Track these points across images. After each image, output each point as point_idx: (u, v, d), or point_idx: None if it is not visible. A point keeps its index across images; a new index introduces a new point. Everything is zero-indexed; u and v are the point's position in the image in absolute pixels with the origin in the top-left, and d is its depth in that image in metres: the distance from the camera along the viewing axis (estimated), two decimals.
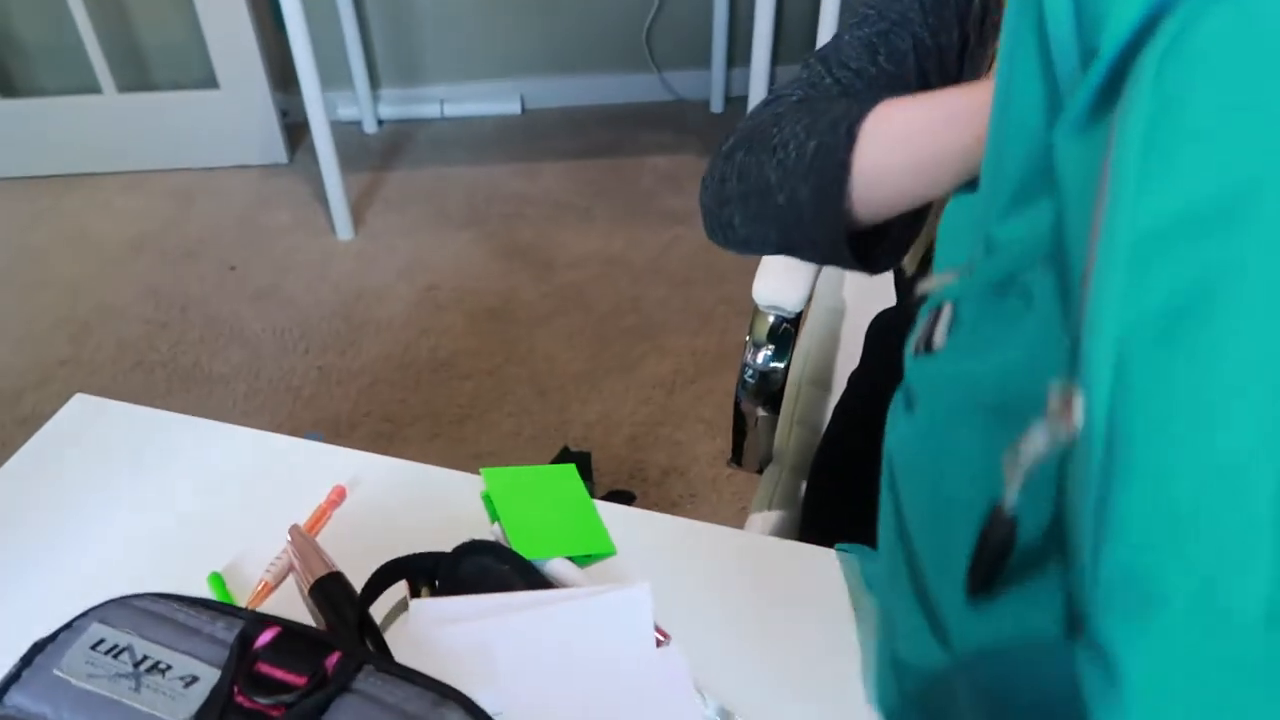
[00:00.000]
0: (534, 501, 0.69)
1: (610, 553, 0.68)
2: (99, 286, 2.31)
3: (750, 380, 0.97)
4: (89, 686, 0.47)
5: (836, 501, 0.96)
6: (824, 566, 0.68)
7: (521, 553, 0.65)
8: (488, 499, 0.71)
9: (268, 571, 0.67)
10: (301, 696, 0.46)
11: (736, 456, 1.10)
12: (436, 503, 0.73)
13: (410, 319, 2.20)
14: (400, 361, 2.09)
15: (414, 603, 0.63)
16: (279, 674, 0.47)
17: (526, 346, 2.12)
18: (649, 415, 1.96)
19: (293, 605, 0.67)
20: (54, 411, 0.81)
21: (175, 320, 2.20)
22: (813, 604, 0.65)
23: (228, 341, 2.14)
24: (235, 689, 0.46)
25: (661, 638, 0.61)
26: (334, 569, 0.65)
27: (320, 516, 0.71)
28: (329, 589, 0.64)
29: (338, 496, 0.73)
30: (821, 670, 0.61)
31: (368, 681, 0.47)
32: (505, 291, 2.26)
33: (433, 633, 0.60)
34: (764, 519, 0.99)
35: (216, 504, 0.73)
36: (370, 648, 0.61)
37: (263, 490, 0.74)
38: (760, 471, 1.11)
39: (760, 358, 0.96)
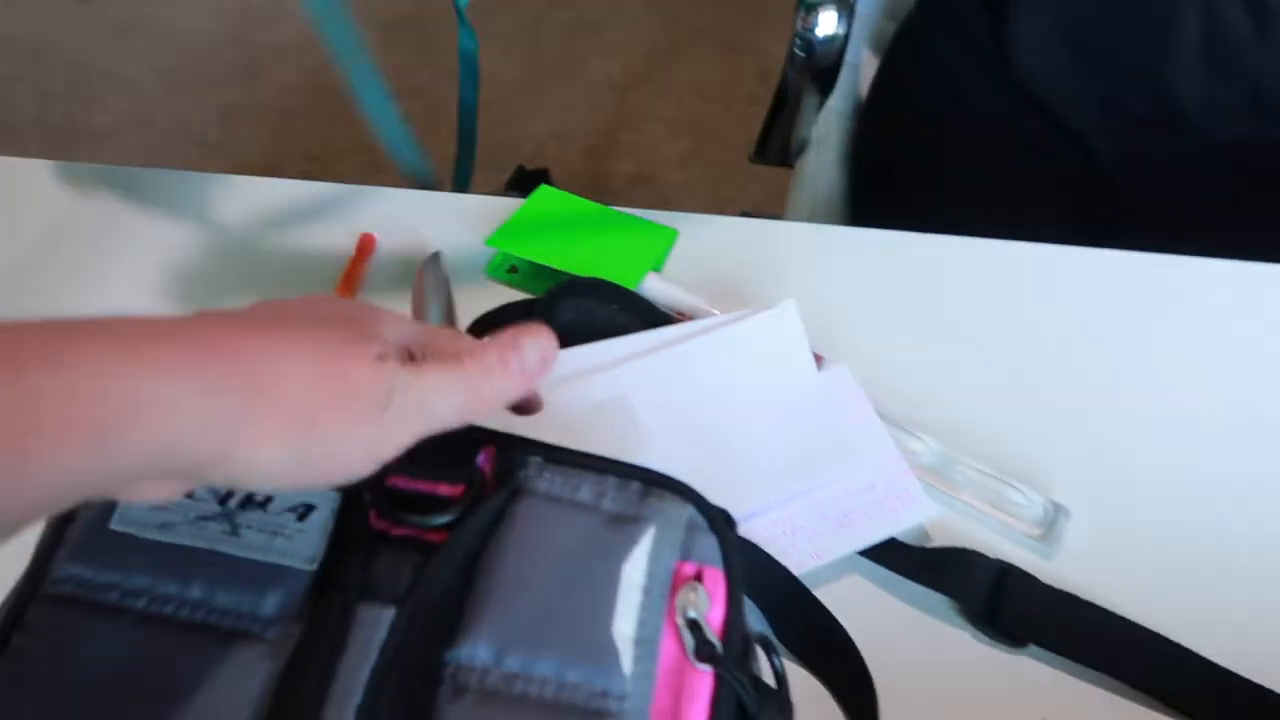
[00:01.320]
0: (560, 233, 0.57)
1: (674, 236, 0.58)
2: None
3: (800, 52, 0.81)
4: (165, 538, 0.34)
5: (893, 181, 0.85)
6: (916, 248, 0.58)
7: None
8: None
9: None
10: (466, 510, 0.35)
11: (763, 146, 0.96)
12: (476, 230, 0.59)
13: (313, 40, 1.89)
14: (313, 88, 1.82)
15: None
16: (423, 486, 0.35)
17: (453, 57, 1.86)
18: (603, 121, 1.77)
19: None
20: None
21: (29, 70, 1.85)
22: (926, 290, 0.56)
23: (100, 88, 1.82)
24: (372, 514, 0.35)
25: (817, 359, 0.51)
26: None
27: (353, 272, 0.57)
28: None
29: (367, 244, 0.58)
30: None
31: (545, 477, 0.36)
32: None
33: (551, 397, 0.49)
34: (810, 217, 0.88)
35: (234, 267, 0.58)
36: None
37: (276, 242, 0.59)
38: (787, 163, 0.97)
39: (813, 22, 0.79)
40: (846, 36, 0.82)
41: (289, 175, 0.63)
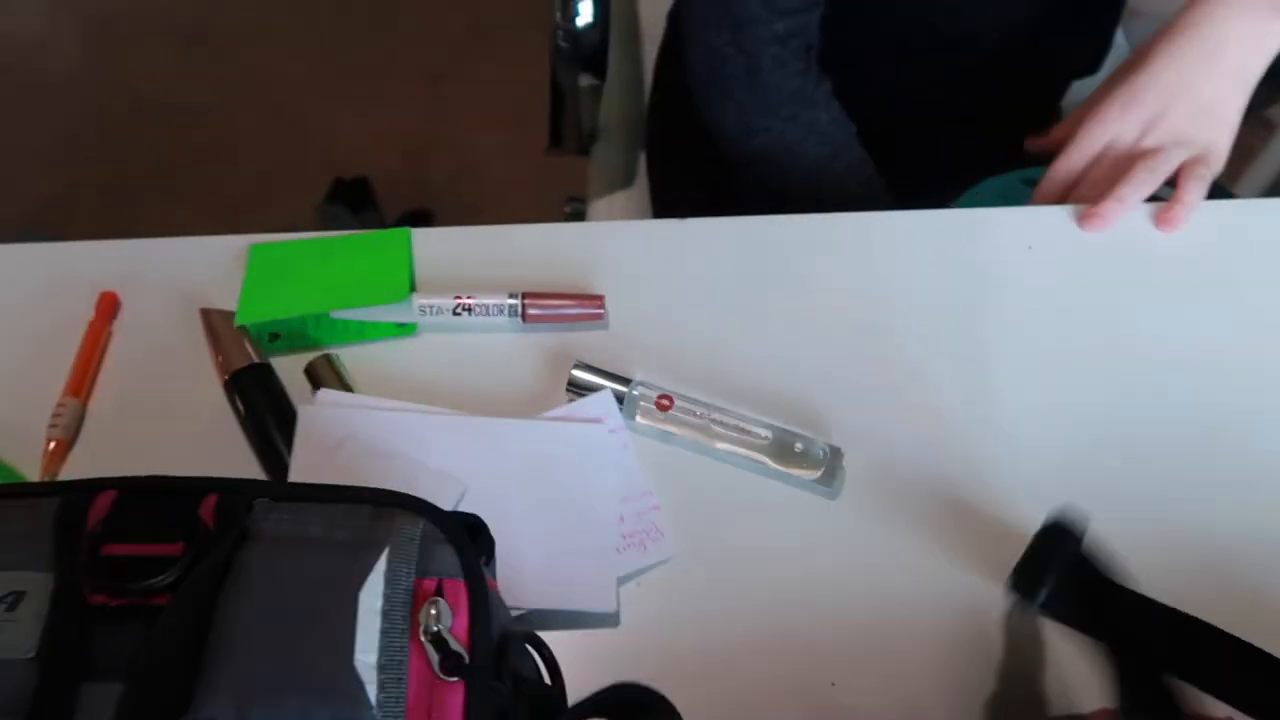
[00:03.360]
0: (299, 280, 0.56)
1: (407, 235, 0.57)
2: None
3: (563, 45, 0.81)
4: None
5: (684, 160, 0.87)
6: (720, 233, 0.60)
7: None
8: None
9: (53, 425, 0.51)
10: (186, 568, 0.34)
11: (556, 138, 0.97)
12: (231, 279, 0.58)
13: (92, 66, 1.79)
14: (99, 121, 1.72)
15: (321, 394, 0.52)
16: (140, 550, 0.34)
17: (247, 69, 1.79)
18: (417, 119, 1.74)
19: (103, 466, 0.52)
20: None
21: None
22: (728, 273, 0.58)
23: None
24: (84, 588, 0.34)
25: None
26: (259, 359, 0.53)
27: (96, 340, 0.54)
28: (247, 384, 0.51)
29: (109, 306, 0.55)
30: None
31: (270, 519, 0.36)
32: (198, 6, 1.86)
33: (346, 426, 0.48)
34: (609, 204, 0.89)
35: None
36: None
37: None
38: (584, 153, 0.98)
39: (571, 13, 0.80)
40: (605, 22, 0.83)
41: (87, 212, 0.59)
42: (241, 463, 0.50)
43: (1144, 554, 0.44)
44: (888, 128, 0.78)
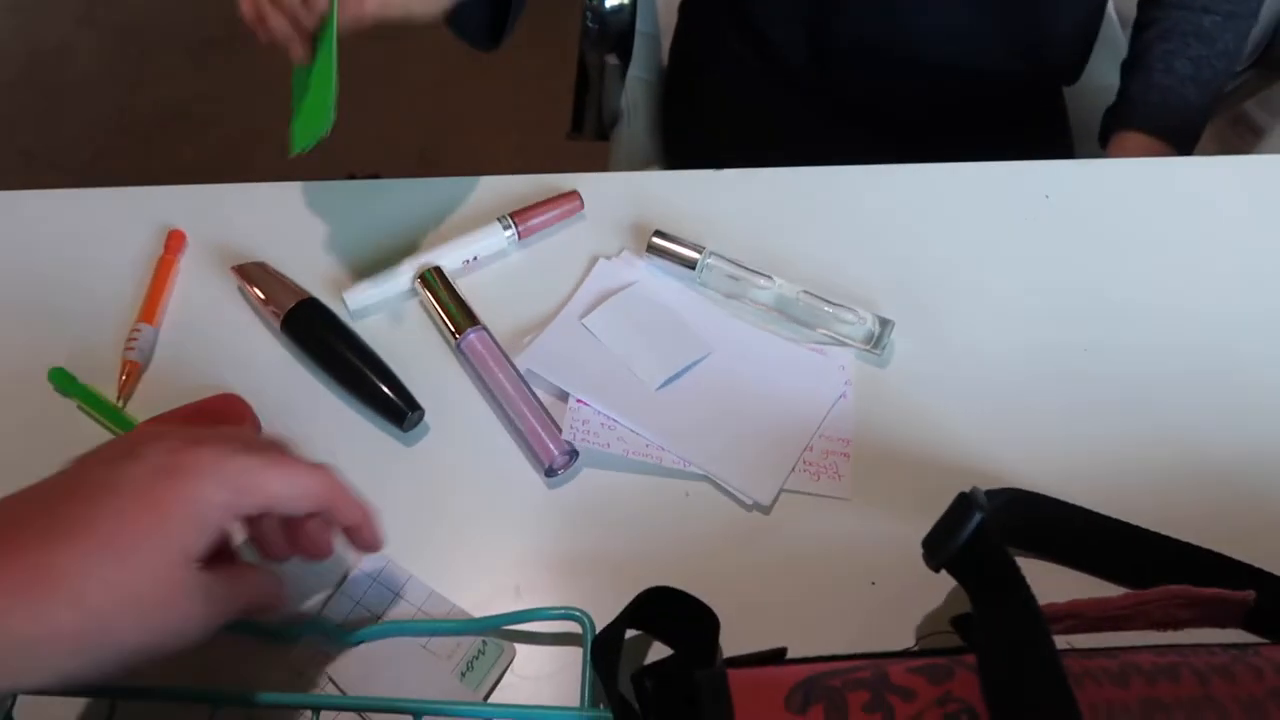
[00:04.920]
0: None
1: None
2: None
3: (591, 25, 0.85)
4: None
5: (700, 144, 0.91)
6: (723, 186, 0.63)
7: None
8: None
9: (129, 349, 0.54)
10: None
11: (578, 123, 1.00)
12: (300, 220, 0.61)
13: (113, 72, 1.82)
14: (119, 124, 1.75)
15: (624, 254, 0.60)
16: None
17: (265, 76, 1.83)
18: (429, 127, 1.77)
19: (172, 387, 0.55)
20: None
21: None
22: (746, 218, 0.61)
23: None
24: None
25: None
26: (306, 294, 0.55)
27: (166, 272, 0.57)
28: (306, 317, 0.54)
29: (178, 243, 0.59)
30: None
31: None
32: (217, 15, 1.90)
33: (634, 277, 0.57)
34: None
35: (15, 286, 0.57)
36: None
37: (71, 252, 0.59)
38: (603, 137, 1.02)
39: None
40: (634, 4, 0.87)
41: None
42: (298, 382, 0.54)
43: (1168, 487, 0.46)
44: (878, 133, 0.83)
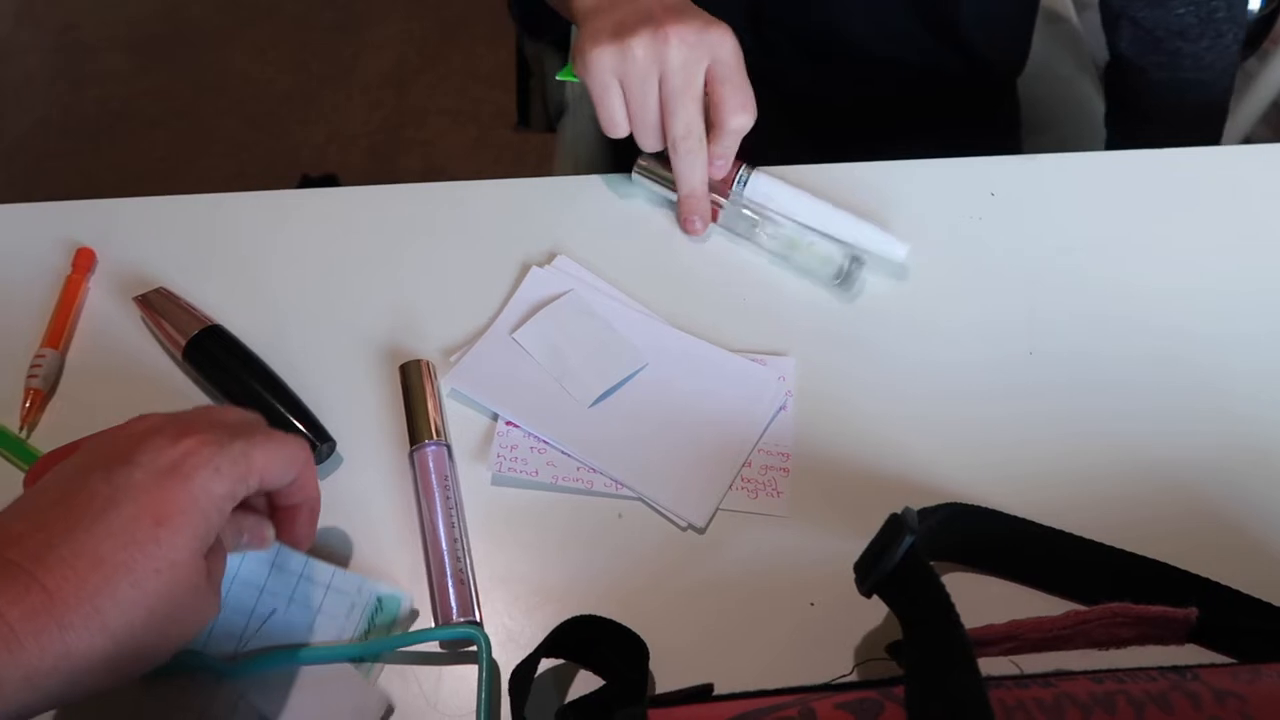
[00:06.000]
0: None
1: None
2: None
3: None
4: None
5: None
6: None
7: None
8: None
9: (32, 376, 0.51)
10: None
11: (524, 116, 0.98)
12: (213, 232, 0.58)
13: (56, 71, 1.77)
14: (63, 126, 1.70)
15: (560, 260, 0.58)
16: None
17: (215, 72, 1.79)
18: (384, 120, 1.74)
19: (78, 416, 0.52)
20: None
21: None
22: None
23: None
24: None
25: None
26: (209, 321, 0.52)
27: (74, 293, 0.54)
28: (208, 347, 0.51)
29: (86, 261, 0.56)
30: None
31: None
32: (165, 11, 1.85)
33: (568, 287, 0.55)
34: None
35: None
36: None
37: None
38: (551, 129, 0.99)
39: None
40: None
41: None
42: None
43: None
44: (823, 129, 0.81)
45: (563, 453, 0.50)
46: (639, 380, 0.53)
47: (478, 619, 0.45)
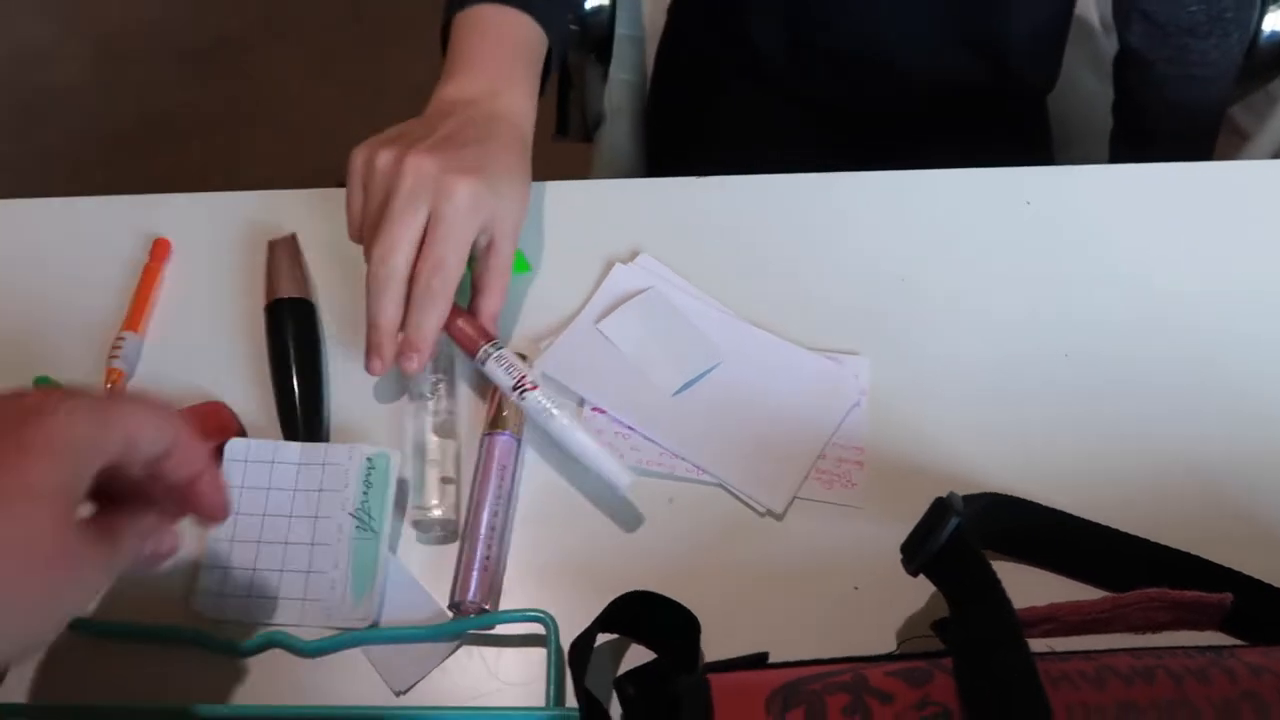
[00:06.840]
0: None
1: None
2: None
3: (571, 28, 0.85)
4: None
5: (685, 147, 0.91)
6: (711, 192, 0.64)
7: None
8: None
9: (113, 357, 0.54)
10: None
11: (562, 126, 1.00)
12: (290, 227, 0.61)
13: (96, 79, 1.82)
14: (102, 133, 1.75)
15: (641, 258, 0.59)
16: None
17: (251, 84, 1.83)
18: None
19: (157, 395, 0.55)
20: None
21: None
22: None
23: None
24: None
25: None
26: (302, 293, 0.55)
27: (152, 280, 0.57)
28: (281, 315, 0.54)
29: (163, 251, 0.59)
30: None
31: None
32: (201, 24, 1.90)
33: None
34: None
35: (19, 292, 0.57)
36: None
37: (55, 262, 0.59)
38: (588, 139, 1.02)
39: None
40: (613, 6, 0.87)
41: None
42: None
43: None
44: (859, 139, 0.83)
45: (646, 438, 0.52)
46: (718, 374, 0.55)
47: (488, 607, 0.48)
